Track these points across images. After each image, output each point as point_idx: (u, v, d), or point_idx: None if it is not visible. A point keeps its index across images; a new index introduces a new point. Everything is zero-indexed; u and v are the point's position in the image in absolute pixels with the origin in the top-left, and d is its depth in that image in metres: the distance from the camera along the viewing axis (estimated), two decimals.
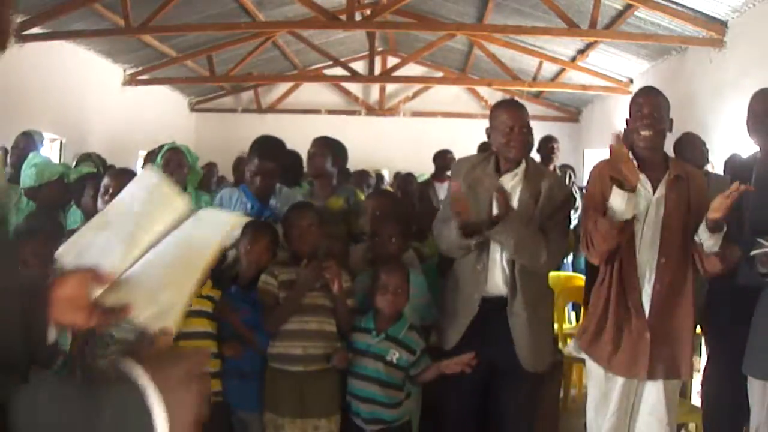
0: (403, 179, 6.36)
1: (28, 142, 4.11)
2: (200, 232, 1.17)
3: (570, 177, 5.11)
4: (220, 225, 1.21)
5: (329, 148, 3.48)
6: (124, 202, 1.24)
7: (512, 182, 2.52)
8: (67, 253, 1.20)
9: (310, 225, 2.62)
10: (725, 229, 2.24)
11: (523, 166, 2.54)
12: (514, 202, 2.47)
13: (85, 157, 5.07)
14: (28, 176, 3.46)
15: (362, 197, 3.63)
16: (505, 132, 2.48)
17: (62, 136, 6.68)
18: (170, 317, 1.09)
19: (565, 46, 7.49)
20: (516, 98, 10.08)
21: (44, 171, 3.43)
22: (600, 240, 2.32)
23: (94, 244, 1.17)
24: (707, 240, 2.25)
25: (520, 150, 2.49)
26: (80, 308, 1.00)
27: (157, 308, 1.09)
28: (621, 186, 2.23)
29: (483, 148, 5.19)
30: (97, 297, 1.04)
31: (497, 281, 2.50)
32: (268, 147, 3.16)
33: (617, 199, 2.24)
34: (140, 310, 1.07)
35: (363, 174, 6.09)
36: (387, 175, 7.79)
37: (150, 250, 1.14)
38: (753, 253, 2.39)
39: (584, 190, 3.22)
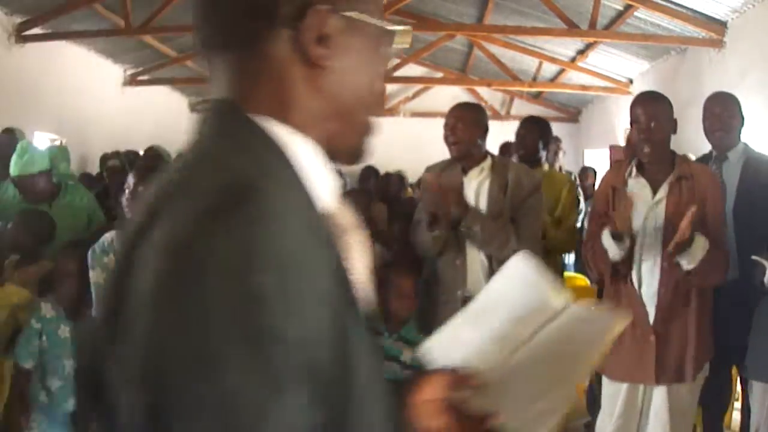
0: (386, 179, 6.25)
1: (12, 139, 4.09)
2: (581, 334, 1.03)
3: (575, 179, 5.11)
4: (604, 327, 1.03)
5: None
6: (497, 297, 1.13)
7: (479, 177, 2.60)
8: (433, 349, 1.10)
9: None
10: (699, 244, 2.17)
11: (488, 161, 2.64)
12: (483, 196, 2.56)
13: (114, 155, 5.07)
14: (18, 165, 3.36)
15: None
16: (445, 131, 2.67)
17: (62, 136, 6.68)
18: (543, 423, 0.94)
19: (565, 47, 7.49)
20: (515, 99, 10.07)
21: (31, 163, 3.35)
22: (593, 263, 2.35)
23: (463, 341, 1.06)
24: (681, 259, 2.20)
25: (454, 147, 2.63)
26: (441, 412, 0.89)
27: (528, 418, 0.95)
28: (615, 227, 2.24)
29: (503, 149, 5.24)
30: (462, 400, 0.92)
31: (478, 277, 2.53)
32: None
33: (607, 240, 2.26)
34: (510, 419, 0.92)
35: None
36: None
37: (522, 351, 1.02)
38: (754, 257, 2.39)
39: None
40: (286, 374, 0.52)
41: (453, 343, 1.07)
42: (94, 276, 2.42)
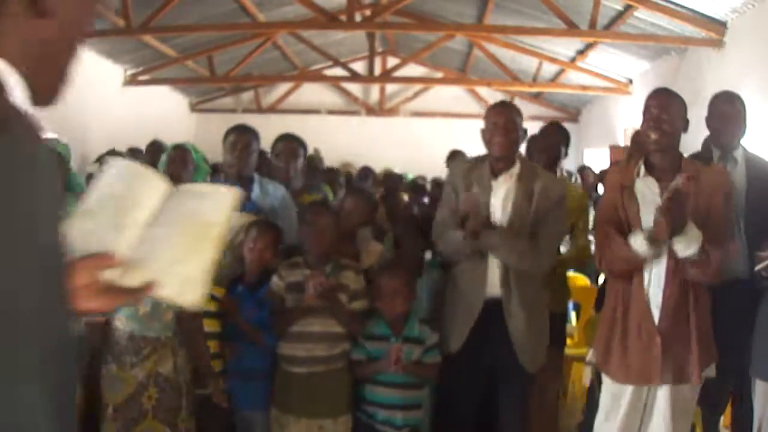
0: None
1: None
2: (197, 206, 1.14)
3: (575, 179, 5.08)
4: (219, 202, 1.17)
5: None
6: (101, 190, 1.18)
7: (508, 183, 2.53)
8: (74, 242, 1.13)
9: (327, 225, 2.62)
10: (690, 229, 2.15)
11: (517, 167, 2.56)
12: (509, 204, 2.51)
13: (111, 153, 5.07)
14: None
15: (331, 196, 3.64)
16: (489, 130, 2.55)
17: (62, 136, 6.67)
18: (194, 288, 1.08)
19: (565, 47, 7.50)
20: (515, 99, 10.13)
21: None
22: (612, 260, 2.31)
23: (82, 234, 1.10)
24: (675, 245, 2.18)
25: (500, 147, 2.52)
26: (99, 293, 0.99)
27: (178, 281, 1.08)
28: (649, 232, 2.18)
29: (452, 155, 5.22)
30: (113, 280, 1.01)
31: (496, 282, 2.52)
32: (242, 125, 3.14)
33: (638, 243, 2.22)
34: (161, 286, 1.05)
35: (338, 171, 5.90)
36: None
37: (150, 229, 1.10)
38: (759, 253, 2.38)
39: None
40: None
41: (77, 238, 1.08)
42: None
